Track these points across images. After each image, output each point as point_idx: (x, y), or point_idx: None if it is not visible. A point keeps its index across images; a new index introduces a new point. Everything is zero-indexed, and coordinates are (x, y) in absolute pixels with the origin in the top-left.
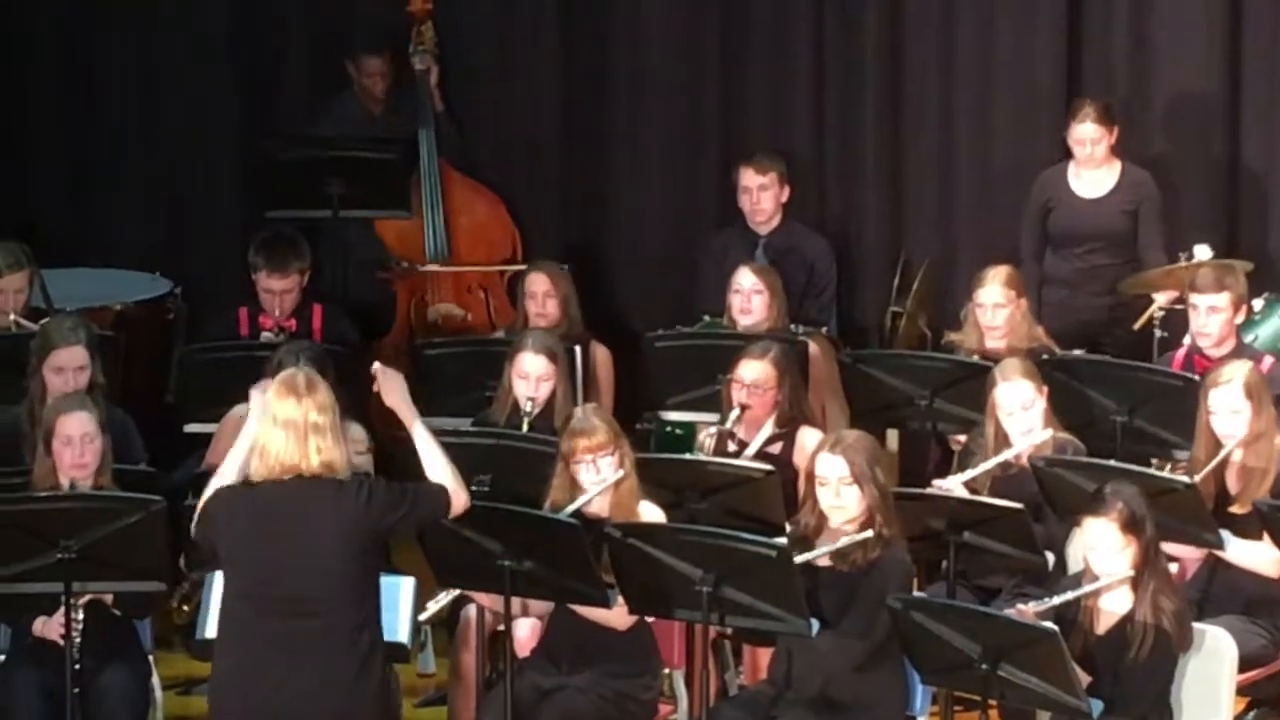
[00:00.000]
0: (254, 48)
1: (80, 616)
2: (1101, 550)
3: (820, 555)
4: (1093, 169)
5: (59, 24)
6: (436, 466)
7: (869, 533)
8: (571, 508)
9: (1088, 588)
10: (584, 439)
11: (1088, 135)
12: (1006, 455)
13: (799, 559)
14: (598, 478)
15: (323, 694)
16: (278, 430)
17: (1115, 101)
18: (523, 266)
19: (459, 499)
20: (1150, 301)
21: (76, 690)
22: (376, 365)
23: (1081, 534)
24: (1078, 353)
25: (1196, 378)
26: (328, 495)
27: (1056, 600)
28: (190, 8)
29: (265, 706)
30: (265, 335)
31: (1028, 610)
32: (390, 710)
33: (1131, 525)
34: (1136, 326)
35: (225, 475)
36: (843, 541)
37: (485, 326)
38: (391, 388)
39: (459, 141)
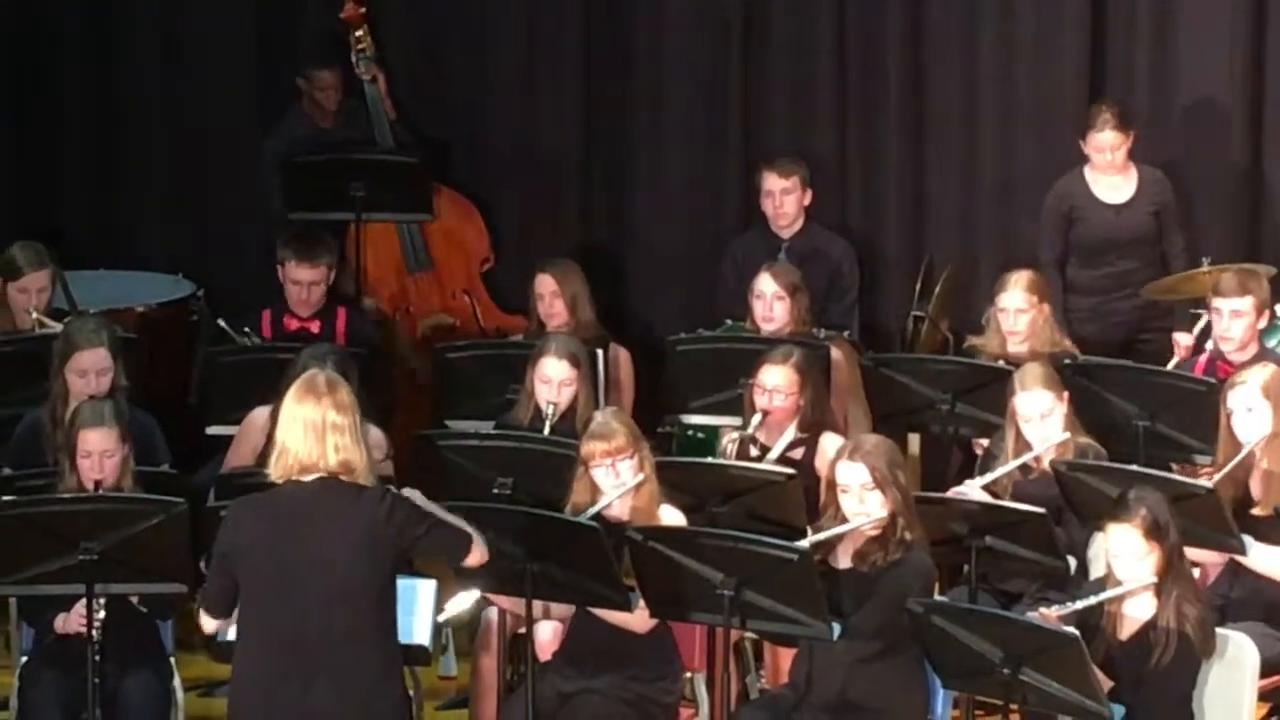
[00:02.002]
0: (278, 50)
1: (101, 613)
2: (1124, 556)
3: (834, 534)
4: (1112, 174)
5: (84, 27)
6: (465, 528)
7: (883, 512)
8: (592, 510)
9: (1111, 593)
10: (603, 443)
11: (1108, 142)
12: (1026, 458)
13: (812, 539)
14: (617, 481)
15: (345, 703)
16: (296, 429)
17: (1130, 106)
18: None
19: (479, 552)
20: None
21: (97, 680)
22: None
23: (1105, 539)
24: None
25: (1216, 382)
26: (348, 500)
27: (1079, 604)
28: (216, 10)
29: (286, 713)
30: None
31: (1050, 614)
32: (409, 717)
33: (1155, 531)
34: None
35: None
36: (855, 522)
37: (475, 330)
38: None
39: (415, 146)
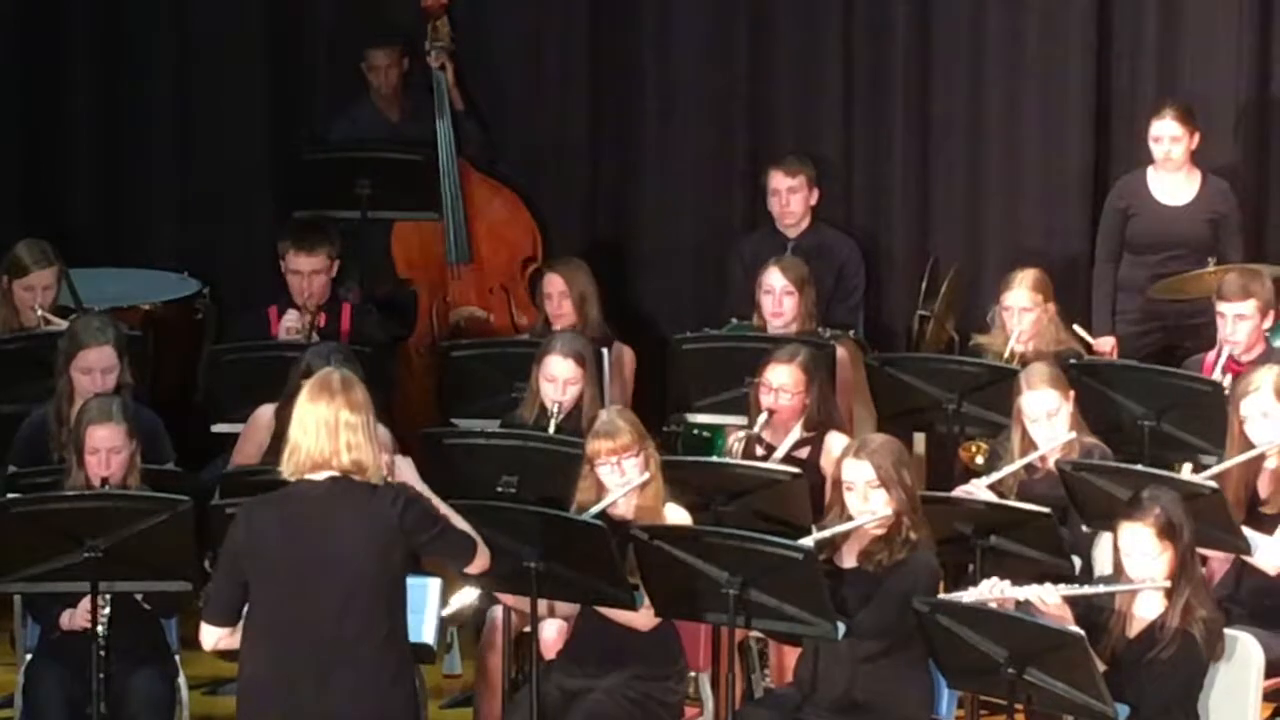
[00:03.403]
0: (287, 48)
1: (106, 609)
2: (1136, 555)
3: (839, 532)
4: (1172, 171)
5: (93, 25)
6: (470, 533)
7: (888, 511)
8: (596, 508)
9: (1123, 586)
10: (608, 441)
11: (1167, 132)
12: (1031, 458)
13: (817, 537)
14: (622, 479)
15: (356, 703)
16: (309, 427)
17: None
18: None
19: (483, 558)
20: None
21: (102, 675)
22: (384, 456)
23: (1118, 538)
24: (1101, 355)
25: (1220, 380)
26: (361, 500)
27: (1088, 590)
28: (226, 8)
29: (296, 712)
30: (287, 320)
31: (1057, 592)
32: (419, 716)
33: (1168, 531)
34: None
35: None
36: (860, 519)
37: (508, 326)
38: (403, 473)
39: (481, 138)
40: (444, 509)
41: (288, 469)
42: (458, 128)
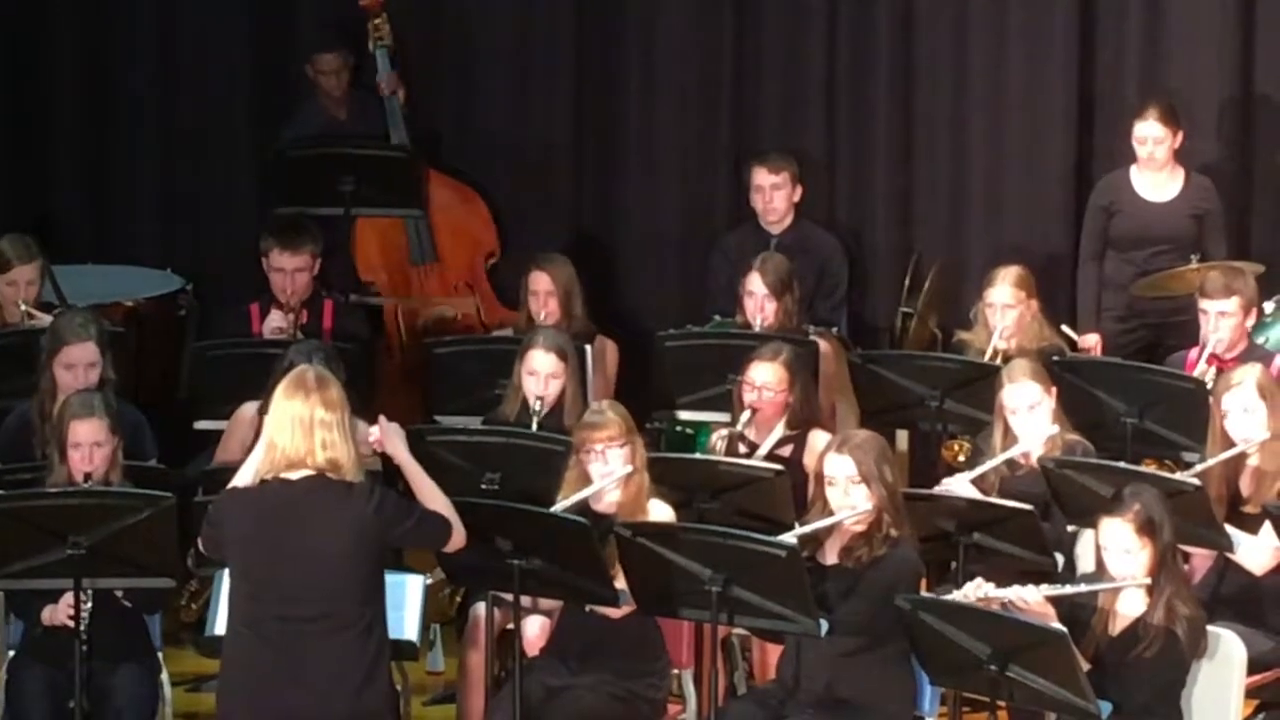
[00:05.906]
0: (273, 45)
1: (89, 604)
2: (1116, 551)
3: (819, 528)
4: (1155, 170)
5: (78, 19)
6: (441, 507)
7: (868, 506)
8: (576, 497)
9: (1104, 585)
10: (595, 430)
11: (1150, 134)
12: (1013, 452)
13: (798, 532)
14: (606, 469)
15: (332, 696)
16: (285, 425)
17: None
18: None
19: (458, 536)
20: None
21: (85, 672)
22: (381, 419)
23: (1098, 534)
24: (1090, 354)
25: (1203, 376)
26: (337, 496)
27: (1069, 589)
28: (211, 4)
29: (275, 708)
30: (272, 319)
31: (1038, 591)
32: (397, 712)
33: (1148, 528)
34: None
35: (241, 479)
36: (841, 515)
37: (476, 324)
38: (392, 440)
39: (426, 135)
40: (428, 487)
41: (263, 467)
42: (407, 124)
